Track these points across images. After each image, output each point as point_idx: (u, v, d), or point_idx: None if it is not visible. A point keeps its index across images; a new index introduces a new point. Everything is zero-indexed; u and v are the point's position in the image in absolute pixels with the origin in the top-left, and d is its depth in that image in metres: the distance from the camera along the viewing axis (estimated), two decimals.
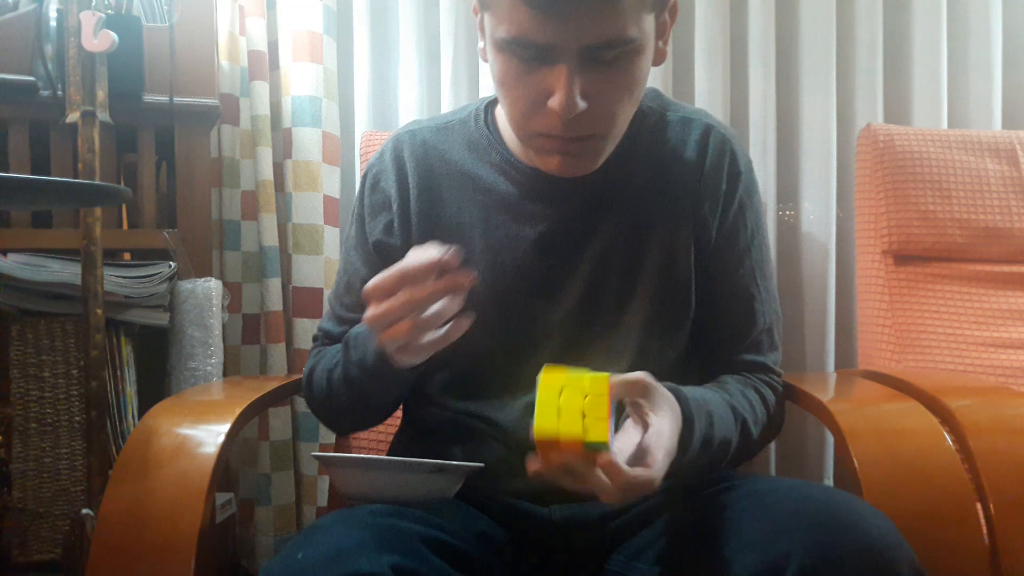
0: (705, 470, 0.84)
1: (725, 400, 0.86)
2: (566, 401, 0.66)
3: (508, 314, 0.90)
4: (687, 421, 0.76)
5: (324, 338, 1.04)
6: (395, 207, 0.95)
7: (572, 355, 0.89)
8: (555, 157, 0.82)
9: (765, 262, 0.96)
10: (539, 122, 0.79)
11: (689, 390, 0.80)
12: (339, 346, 0.94)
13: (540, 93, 0.77)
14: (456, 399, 0.92)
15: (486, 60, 0.85)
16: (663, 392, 0.74)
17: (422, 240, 0.92)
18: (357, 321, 1.00)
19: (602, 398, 0.65)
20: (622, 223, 0.90)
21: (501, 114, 0.95)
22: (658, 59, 0.83)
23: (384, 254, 0.95)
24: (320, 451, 1.60)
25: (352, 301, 1.00)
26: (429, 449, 0.94)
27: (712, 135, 0.92)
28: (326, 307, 1.07)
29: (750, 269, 0.94)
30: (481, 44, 0.85)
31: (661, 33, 0.82)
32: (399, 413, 1.03)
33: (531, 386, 0.88)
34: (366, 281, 0.98)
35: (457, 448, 0.92)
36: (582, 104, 0.76)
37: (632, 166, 0.91)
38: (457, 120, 0.98)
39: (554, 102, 0.76)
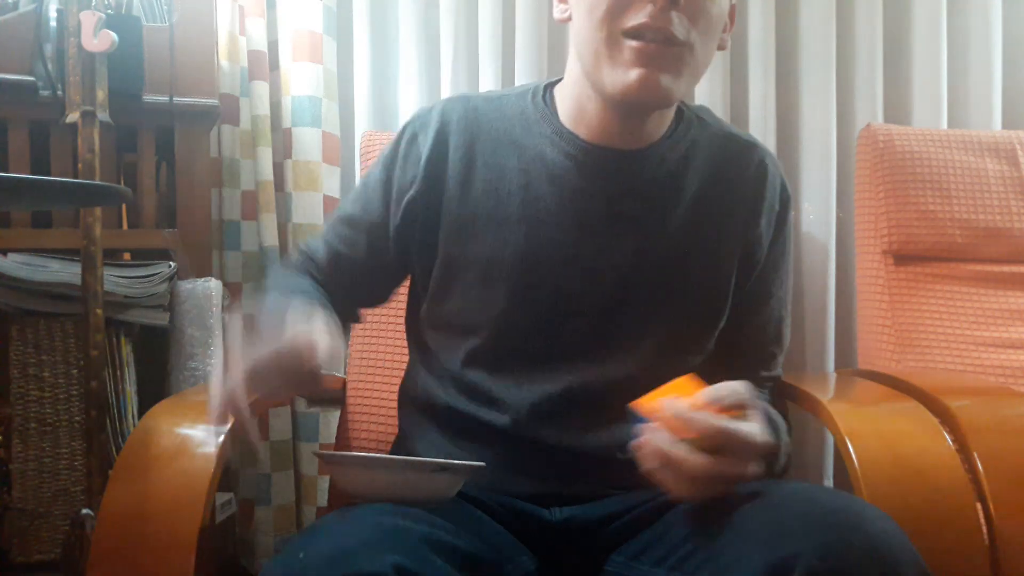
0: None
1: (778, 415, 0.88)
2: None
3: (536, 290, 0.90)
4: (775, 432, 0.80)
5: (306, 258, 1.02)
6: (424, 159, 0.92)
7: (595, 339, 0.90)
8: (635, 71, 0.81)
9: (791, 289, 1.01)
10: (629, 14, 0.80)
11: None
12: (289, 289, 0.94)
13: None
14: (469, 372, 0.92)
15: (563, 18, 0.89)
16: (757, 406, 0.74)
17: (456, 200, 0.91)
18: (343, 256, 0.99)
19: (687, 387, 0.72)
20: (671, 219, 0.91)
21: (559, 91, 0.95)
22: (721, 44, 0.88)
23: (407, 210, 0.93)
24: (320, 450, 1.60)
25: (349, 234, 0.98)
26: (435, 436, 0.94)
27: (768, 160, 0.97)
28: (323, 227, 1.03)
29: (785, 293, 0.99)
30: (560, 7, 0.89)
31: (730, 16, 0.89)
32: (402, 403, 1.03)
33: (549, 369, 0.88)
34: (367, 223, 0.96)
35: (464, 431, 0.92)
36: None
37: (688, 166, 0.92)
38: (513, 94, 0.97)
39: None
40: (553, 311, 0.90)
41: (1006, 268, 1.46)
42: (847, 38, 1.69)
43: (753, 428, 0.70)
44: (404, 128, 0.97)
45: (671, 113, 0.93)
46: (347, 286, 1.00)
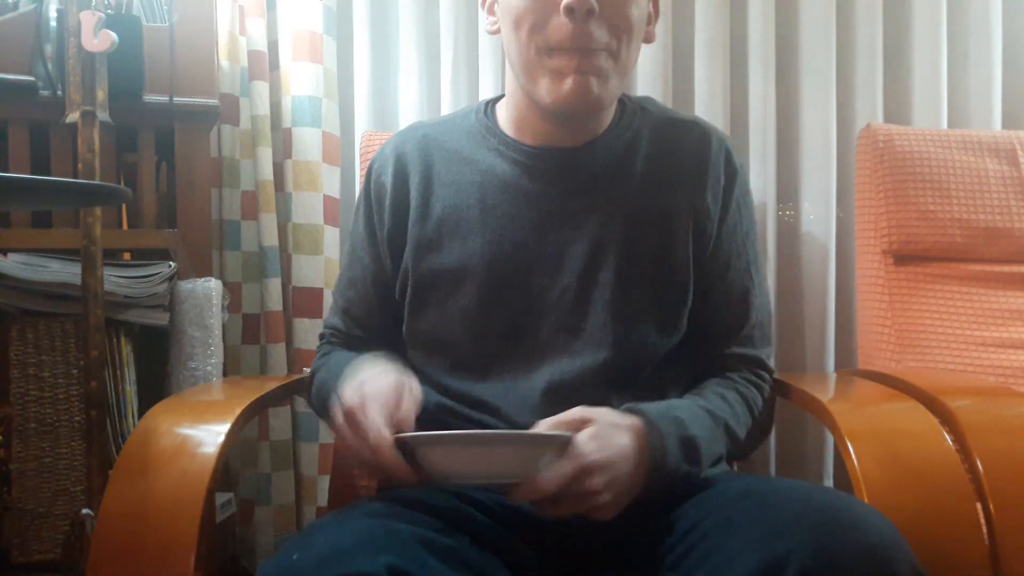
0: (692, 474, 0.84)
1: (697, 404, 0.88)
2: None
3: (506, 293, 0.93)
4: (652, 428, 0.80)
5: (332, 335, 1.07)
6: (388, 198, 0.99)
7: (568, 333, 0.92)
8: (568, 79, 0.86)
9: (758, 258, 1.02)
10: (552, 32, 0.85)
11: (648, 404, 0.84)
12: (343, 360, 0.96)
13: (551, 4, 0.85)
14: (456, 381, 0.94)
15: (493, 31, 0.94)
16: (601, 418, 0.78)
17: (419, 223, 0.97)
18: (361, 316, 1.04)
19: None
20: (621, 206, 0.94)
21: (501, 107, 1.00)
22: (647, 37, 0.94)
23: (388, 245, 0.99)
24: (319, 451, 1.60)
25: (356, 295, 1.04)
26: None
27: (710, 135, 0.99)
28: (331, 302, 1.09)
29: (746, 264, 0.99)
30: (490, 19, 0.95)
31: (653, 7, 0.94)
32: None
33: (528, 368, 0.90)
34: (372, 274, 1.01)
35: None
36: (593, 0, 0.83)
37: (633, 154, 0.96)
38: (458, 115, 1.04)
39: (568, 1, 0.83)
40: (523, 312, 0.93)
41: (1006, 268, 1.45)
42: (847, 38, 1.68)
43: (581, 445, 0.75)
44: (368, 172, 1.03)
45: (612, 108, 0.97)
46: (371, 339, 1.04)
